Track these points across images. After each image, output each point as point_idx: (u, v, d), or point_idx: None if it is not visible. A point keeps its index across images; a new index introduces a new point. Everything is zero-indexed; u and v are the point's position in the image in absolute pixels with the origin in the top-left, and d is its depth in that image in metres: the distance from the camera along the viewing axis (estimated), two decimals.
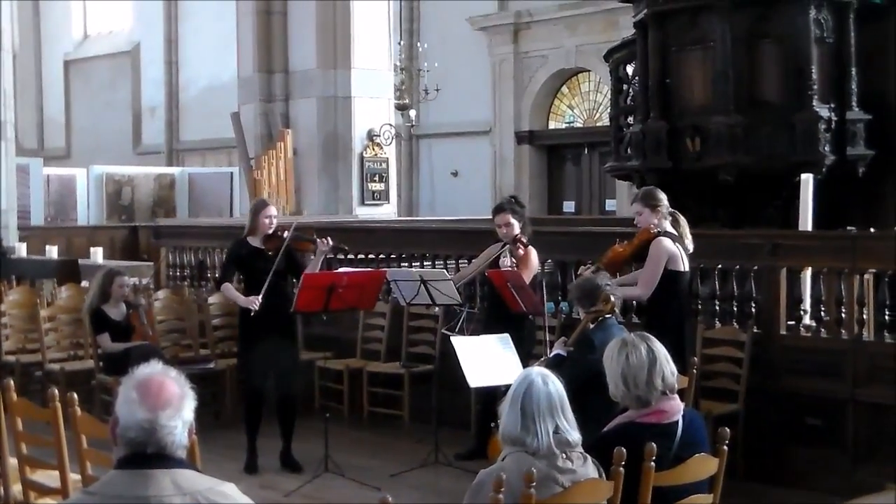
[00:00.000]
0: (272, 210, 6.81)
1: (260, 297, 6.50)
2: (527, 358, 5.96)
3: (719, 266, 6.80)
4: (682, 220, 6.01)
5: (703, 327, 6.64)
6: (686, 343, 5.91)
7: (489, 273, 6.35)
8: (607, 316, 5.00)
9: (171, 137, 23.43)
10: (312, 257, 6.74)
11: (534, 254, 6.46)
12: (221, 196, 18.55)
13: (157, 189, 18.55)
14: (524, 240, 6.41)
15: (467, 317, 6.80)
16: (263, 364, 6.64)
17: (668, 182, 8.54)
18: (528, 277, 6.31)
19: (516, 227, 6.42)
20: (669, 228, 5.95)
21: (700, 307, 6.88)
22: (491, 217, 6.57)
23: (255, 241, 6.76)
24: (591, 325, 5.05)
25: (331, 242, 6.71)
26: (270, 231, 6.74)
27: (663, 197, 5.99)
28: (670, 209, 6.01)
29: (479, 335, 6.09)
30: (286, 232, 6.67)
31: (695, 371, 5.54)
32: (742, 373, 6.40)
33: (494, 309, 6.50)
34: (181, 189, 18.71)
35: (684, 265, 5.90)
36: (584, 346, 4.92)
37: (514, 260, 6.33)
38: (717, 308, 6.82)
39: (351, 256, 8.90)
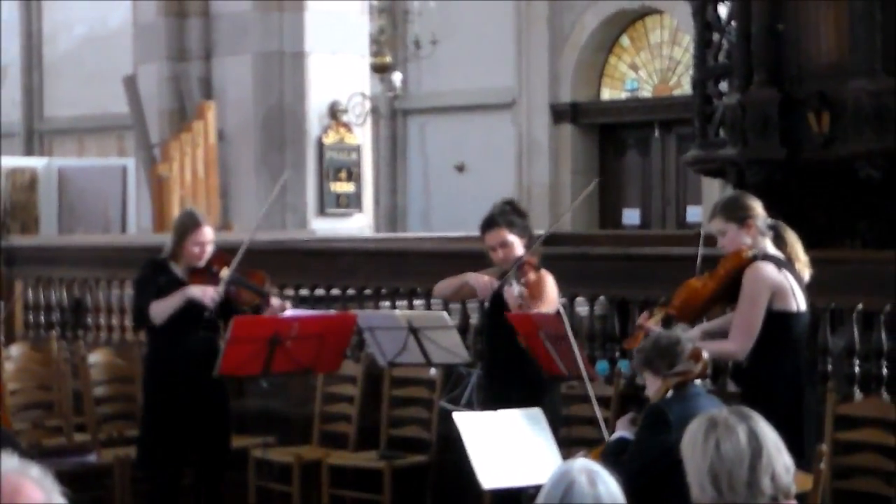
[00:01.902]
0: (206, 233, 6.88)
1: (221, 288, 6.67)
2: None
3: (860, 306, 6.80)
4: (790, 235, 6.05)
5: (835, 399, 6.63)
6: (807, 423, 5.91)
7: (511, 317, 6.37)
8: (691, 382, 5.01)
9: (30, 112, 23.43)
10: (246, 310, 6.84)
11: (551, 281, 6.54)
12: (109, 201, 18.56)
13: (9, 190, 18.56)
14: (534, 260, 6.49)
15: (479, 383, 6.82)
16: (179, 452, 6.68)
17: (781, 180, 8.55)
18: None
19: (518, 247, 6.51)
20: (772, 249, 5.97)
21: (831, 368, 6.88)
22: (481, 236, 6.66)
23: (177, 270, 6.83)
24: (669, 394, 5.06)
25: (288, 307, 6.80)
26: (201, 264, 6.80)
27: (756, 204, 6.02)
28: (770, 221, 6.03)
29: (495, 409, 6.12)
30: (225, 270, 6.73)
31: (823, 466, 5.53)
32: None
33: (503, 369, 6.54)
34: (47, 190, 18.71)
35: (798, 302, 5.91)
36: (655, 423, 4.94)
37: (523, 289, 6.36)
38: (857, 370, 6.81)
39: (305, 292, 8.92)
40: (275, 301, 6.85)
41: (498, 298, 6.48)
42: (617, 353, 7.57)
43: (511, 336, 6.35)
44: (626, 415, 5.36)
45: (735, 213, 5.99)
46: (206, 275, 6.83)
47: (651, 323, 5.93)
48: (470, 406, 6.51)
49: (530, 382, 6.40)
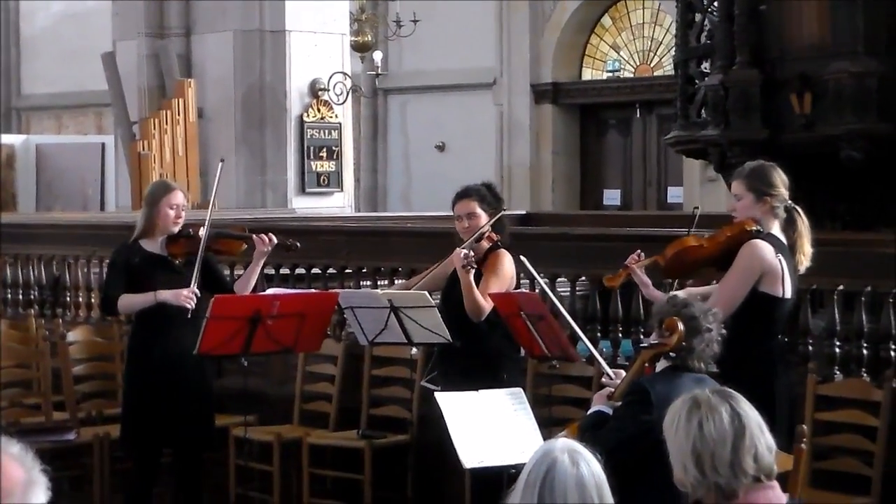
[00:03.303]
0: (179, 197, 6.86)
1: (194, 286, 6.56)
2: None
3: (840, 287, 6.81)
4: (803, 224, 5.99)
5: (816, 380, 6.65)
6: (779, 404, 5.89)
7: (493, 296, 6.38)
8: (672, 356, 4.99)
9: (7, 90, 23.33)
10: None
11: (508, 260, 6.58)
12: (87, 178, 18.51)
13: None
14: (495, 236, 6.57)
15: (438, 358, 6.84)
16: (162, 432, 6.67)
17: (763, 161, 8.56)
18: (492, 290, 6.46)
19: (483, 220, 6.58)
20: (777, 232, 5.95)
21: (811, 349, 6.90)
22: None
23: (151, 246, 6.81)
24: (655, 369, 5.05)
25: (274, 239, 6.76)
26: (177, 229, 6.78)
27: (781, 184, 5.97)
28: (790, 204, 5.98)
29: (456, 385, 6.16)
30: (202, 230, 6.71)
31: (803, 446, 5.55)
32: (877, 450, 6.41)
33: (461, 345, 6.57)
34: (25, 168, 18.65)
35: (786, 289, 5.91)
36: (635, 400, 4.92)
37: (469, 251, 6.41)
38: (838, 351, 6.83)
39: (286, 271, 8.91)
40: (258, 240, 6.79)
41: (453, 278, 6.56)
42: (598, 333, 7.57)
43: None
44: (602, 389, 5.35)
45: (757, 184, 5.93)
46: (184, 238, 6.80)
47: (637, 265, 5.93)
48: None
49: (489, 357, 6.49)
